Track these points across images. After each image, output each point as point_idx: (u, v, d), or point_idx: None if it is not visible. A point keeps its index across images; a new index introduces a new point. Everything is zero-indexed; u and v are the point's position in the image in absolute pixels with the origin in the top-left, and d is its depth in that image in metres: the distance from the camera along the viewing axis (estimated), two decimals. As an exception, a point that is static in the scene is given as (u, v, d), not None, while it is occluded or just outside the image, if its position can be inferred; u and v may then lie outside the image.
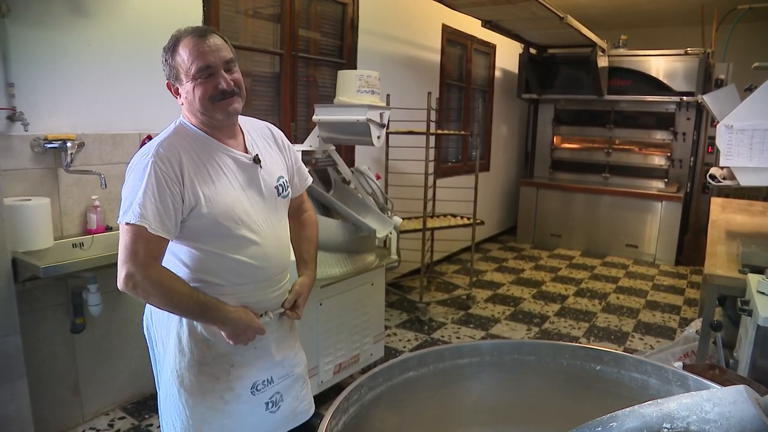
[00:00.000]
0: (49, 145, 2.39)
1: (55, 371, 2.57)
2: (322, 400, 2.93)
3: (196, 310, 1.46)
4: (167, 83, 1.49)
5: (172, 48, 1.43)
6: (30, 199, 2.28)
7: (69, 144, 2.42)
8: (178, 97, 1.49)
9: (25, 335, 2.24)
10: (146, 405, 2.89)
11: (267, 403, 1.67)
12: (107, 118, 2.65)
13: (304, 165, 1.76)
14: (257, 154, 1.55)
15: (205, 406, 1.57)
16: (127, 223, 1.36)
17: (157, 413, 2.79)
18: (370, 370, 1.11)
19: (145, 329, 1.67)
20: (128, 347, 2.87)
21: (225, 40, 1.49)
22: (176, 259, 1.50)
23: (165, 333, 1.57)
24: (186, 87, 1.44)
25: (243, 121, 1.61)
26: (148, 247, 1.37)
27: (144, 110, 2.78)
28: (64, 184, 2.52)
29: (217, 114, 1.45)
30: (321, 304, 2.74)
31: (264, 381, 1.65)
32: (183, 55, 1.41)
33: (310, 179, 1.77)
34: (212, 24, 3.04)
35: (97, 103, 2.60)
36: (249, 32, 3.47)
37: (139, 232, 1.35)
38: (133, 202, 1.36)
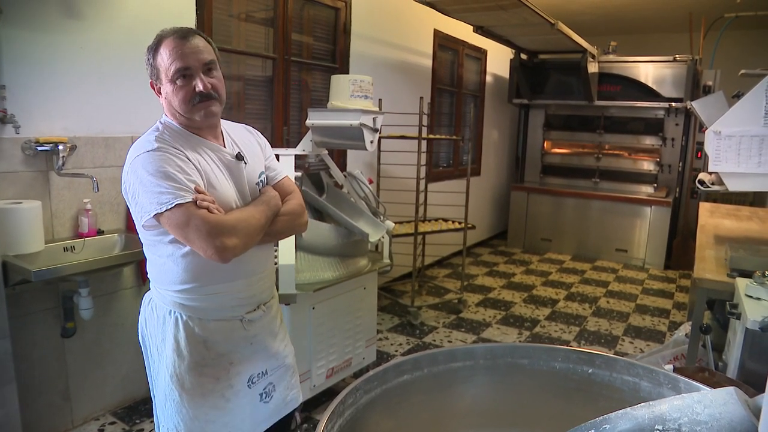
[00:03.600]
0: (40, 148, 2.38)
1: (45, 376, 2.55)
2: (315, 404, 2.93)
3: (269, 210, 1.56)
4: (150, 82, 1.52)
5: (154, 48, 1.47)
6: (21, 202, 2.27)
7: (61, 147, 2.40)
8: (160, 96, 1.52)
9: (14, 339, 2.22)
10: (137, 410, 2.87)
11: (261, 394, 1.70)
12: (100, 121, 2.64)
13: (276, 162, 1.76)
14: (239, 152, 1.59)
15: (208, 406, 1.59)
16: (177, 206, 1.36)
17: (149, 418, 2.79)
18: (363, 374, 1.12)
19: (139, 336, 1.68)
20: (119, 352, 2.85)
21: (209, 42, 1.51)
22: (170, 260, 1.50)
23: (160, 338, 1.57)
24: (166, 88, 1.47)
25: (224, 124, 1.64)
26: (203, 214, 1.39)
27: (137, 113, 2.77)
28: (56, 187, 2.50)
29: (195, 116, 1.48)
30: (313, 308, 2.74)
31: (259, 373, 1.69)
32: (164, 55, 1.44)
33: (280, 176, 1.73)
34: (205, 27, 3.04)
35: (90, 106, 2.59)
36: (242, 36, 3.47)
37: (191, 208, 1.37)
38: (166, 187, 1.37)
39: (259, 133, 1.76)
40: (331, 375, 2.92)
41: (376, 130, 2.83)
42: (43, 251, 2.34)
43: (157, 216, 1.39)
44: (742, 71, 2.74)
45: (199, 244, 1.38)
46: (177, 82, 1.45)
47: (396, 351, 3.78)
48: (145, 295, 1.65)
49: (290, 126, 3.78)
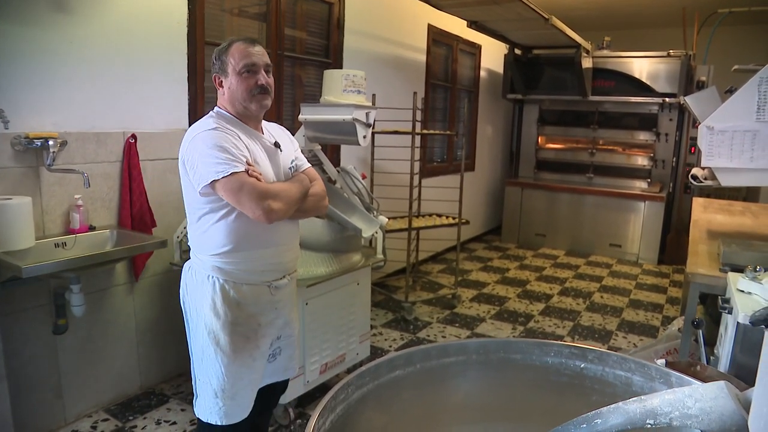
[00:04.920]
0: (30, 144, 2.35)
1: (37, 373, 2.53)
2: (308, 399, 2.93)
3: (302, 188, 1.87)
4: (214, 77, 1.83)
5: (225, 48, 1.79)
6: (11, 198, 2.24)
7: (51, 142, 2.38)
8: (220, 88, 1.82)
9: (5, 337, 2.21)
10: (130, 406, 2.86)
11: (269, 355, 1.98)
12: (90, 116, 2.61)
13: (302, 155, 2.07)
14: (276, 141, 1.91)
15: (237, 364, 1.83)
16: (232, 174, 1.64)
17: (142, 415, 2.78)
18: (356, 369, 1.11)
19: (181, 301, 1.92)
20: (112, 348, 2.84)
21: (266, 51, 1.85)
22: (214, 228, 1.76)
23: (200, 300, 1.82)
24: (231, 80, 1.78)
25: (263, 123, 1.94)
26: (254, 181, 1.67)
27: (128, 109, 2.75)
28: (46, 183, 2.48)
29: (252, 105, 1.79)
30: (307, 304, 2.74)
31: (277, 337, 1.98)
32: (235, 53, 1.77)
33: (306, 165, 2.02)
34: (197, 23, 3.01)
35: (80, 102, 2.57)
36: (234, 31, 3.44)
37: (244, 176, 1.66)
38: (223, 158, 1.65)
39: (289, 132, 2.07)
40: (324, 371, 2.92)
41: (369, 125, 2.82)
42: (34, 247, 2.32)
43: (213, 183, 1.65)
44: (735, 66, 2.75)
45: (249, 206, 1.65)
46: (243, 74, 1.76)
47: (390, 346, 3.78)
48: (185, 264, 1.90)
49: (283, 121, 3.77)
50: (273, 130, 1.97)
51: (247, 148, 1.75)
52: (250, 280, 1.83)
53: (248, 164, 1.69)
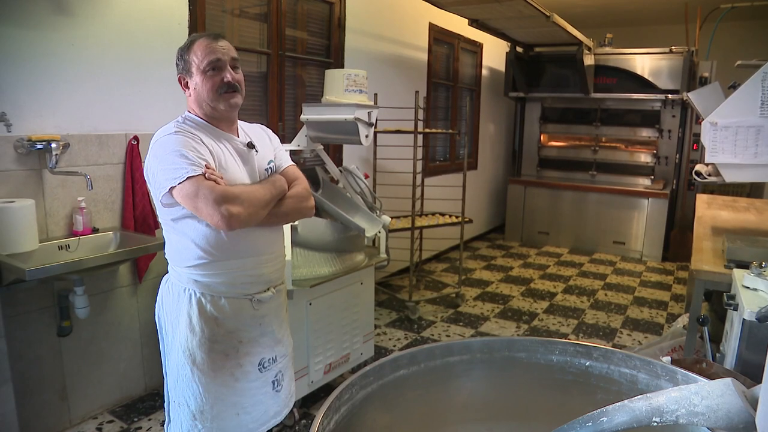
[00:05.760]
0: (33, 147, 2.36)
1: (42, 375, 2.54)
2: (313, 400, 2.93)
3: (274, 189, 1.69)
4: (179, 77, 1.70)
5: (188, 46, 1.67)
6: (14, 201, 2.25)
7: (54, 145, 2.38)
8: (186, 90, 1.69)
9: (10, 339, 2.21)
10: (135, 408, 2.87)
11: (273, 382, 1.81)
12: (93, 118, 2.62)
13: (283, 154, 1.91)
14: (250, 141, 1.76)
15: (217, 383, 1.69)
16: (188, 178, 1.50)
17: (147, 416, 2.78)
18: (360, 369, 1.11)
19: (156, 317, 1.80)
20: (116, 350, 2.84)
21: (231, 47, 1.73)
22: (187, 238, 1.63)
23: (175, 316, 1.70)
24: (195, 80, 1.65)
25: (240, 124, 1.81)
26: (211, 185, 1.52)
27: (130, 111, 2.75)
28: (49, 185, 2.48)
29: (220, 104, 1.65)
30: (310, 304, 2.74)
31: (270, 359, 1.80)
32: (197, 51, 1.64)
33: (286, 164, 1.88)
34: (198, 23, 3.02)
35: (82, 104, 2.57)
36: (235, 32, 3.45)
37: (200, 180, 1.51)
38: (180, 164, 1.51)
39: (271, 132, 1.94)
40: (329, 371, 2.91)
41: (371, 125, 2.81)
42: (38, 250, 2.33)
43: (171, 190, 1.52)
44: (738, 62, 2.73)
45: (206, 211, 1.50)
46: (208, 73, 1.63)
47: (394, 346, 3.78)
48: (164, 277, 1.78)
49: (285, 122, 3.77)
50: (251, 131, 1.83)
51: (211, 152, 1.61)
52: (229, 293, 1.69)
53: (207, 168, 1.54)
